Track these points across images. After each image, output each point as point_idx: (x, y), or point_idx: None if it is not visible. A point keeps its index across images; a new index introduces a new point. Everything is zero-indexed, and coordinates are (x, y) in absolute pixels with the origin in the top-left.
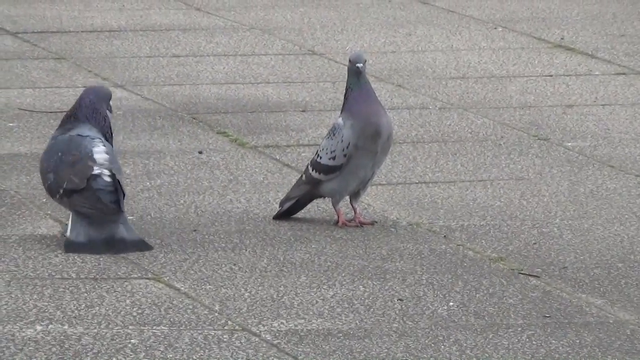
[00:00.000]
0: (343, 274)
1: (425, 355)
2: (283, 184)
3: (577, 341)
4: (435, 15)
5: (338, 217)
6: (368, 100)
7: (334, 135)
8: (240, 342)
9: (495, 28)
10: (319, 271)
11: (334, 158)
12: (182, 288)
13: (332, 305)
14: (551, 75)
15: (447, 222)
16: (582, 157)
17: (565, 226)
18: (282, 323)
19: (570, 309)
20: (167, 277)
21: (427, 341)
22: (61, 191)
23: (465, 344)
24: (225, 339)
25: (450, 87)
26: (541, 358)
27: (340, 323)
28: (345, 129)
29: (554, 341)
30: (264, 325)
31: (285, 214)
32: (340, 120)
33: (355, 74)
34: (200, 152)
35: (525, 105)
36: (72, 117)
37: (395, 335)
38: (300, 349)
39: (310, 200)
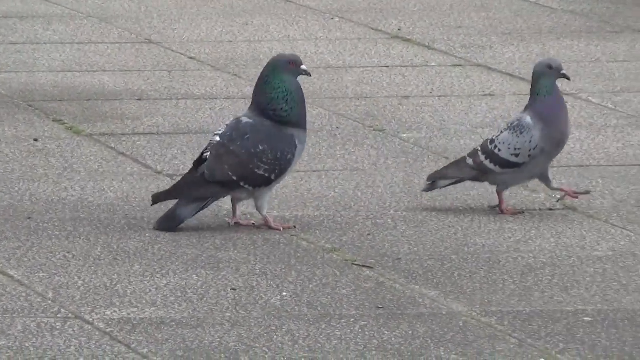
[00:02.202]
0: (177, 263)
1: (258, 345)
2: (118, 173)
3: (410, 332)
4: (273, 5)
5: (500, 204)
6: (559, 107)
7: (520, 133)
8: (73, 330)
9: (332, 18)
10: (153, 260)
11: (517, 155)
12: (16, 275)
13: (165, 294)
14: (387, 66)
15: (281, 212)
16: (418, 148)
17: (399, 217)
18: (115, 311)
19: (403, 300)
20: (1, 264)
21: (259, 331)
22: None
23: (298, 334)
24: (58, 327)
25: None
26: (374, 349)
27: (174, 312)
28: (535, 131)
29: (386, 332)
30: (97, 314)
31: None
32: (529, 120)
33: (554, 80)
34: (35, 140)
35: (361, 96)
36: None
37: (228, 324)
38: (133, 338)
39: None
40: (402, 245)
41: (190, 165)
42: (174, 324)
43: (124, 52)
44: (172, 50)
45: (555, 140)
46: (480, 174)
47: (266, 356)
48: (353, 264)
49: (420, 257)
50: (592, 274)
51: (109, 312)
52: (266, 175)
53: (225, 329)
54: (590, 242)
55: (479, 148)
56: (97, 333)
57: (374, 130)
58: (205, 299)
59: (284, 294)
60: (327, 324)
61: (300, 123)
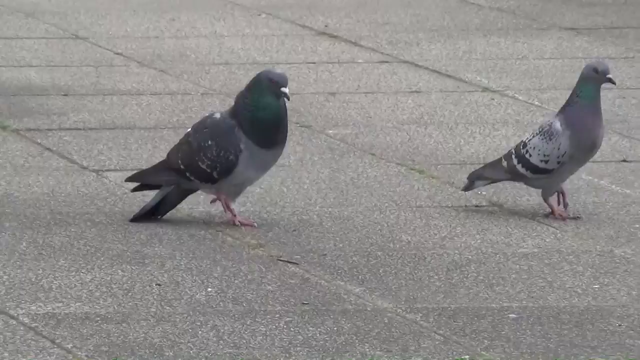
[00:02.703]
0: (102, 258)
1: (183, 341)
2: (44, 168)
3: (335, 328)
4: (200, 1)
5: (552, 210)
6: (592, 113)
7: (549, 139)
8: None
9: (259, 15)
10: (78, 255)
11: (546, 162)
12: None
13: (90, 289)
14: (314, 63)
15: (206, 207)
16: (344, 144)
17: (325, 214)
18: (40, 306)
19: (328, 296)
20: None
21: (184, 326)
22: None
23: (223, 330)
24: None
25: (213, 73)
26: (298, 345)
27: (99, 307)
28: (563, 138)
29: (311, 328)
30: (22, 309)
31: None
32: (558, 125)
33: (599, 84)
34: None
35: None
36: None
37: (153, 320)
38: (57, 333)
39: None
40: (327, 242)
41: (115, 161)
42: (98, 319)
43: (51, 47)
44: (99, 46)
45: (584, 146)
46: (515, 177)
47: (191, 352)
48: (278, 259)
49: (346, 254)
50: (517, 271)
51: (33, 307)
52: (208, 170)
53: (150, 324)
54: (516, 238)
55: (513, 151)
56: (21, 328)
57: (300, 126)
58: (130, 294)
59: (209, 289)
60: (252, 319)
61: (252, 136)
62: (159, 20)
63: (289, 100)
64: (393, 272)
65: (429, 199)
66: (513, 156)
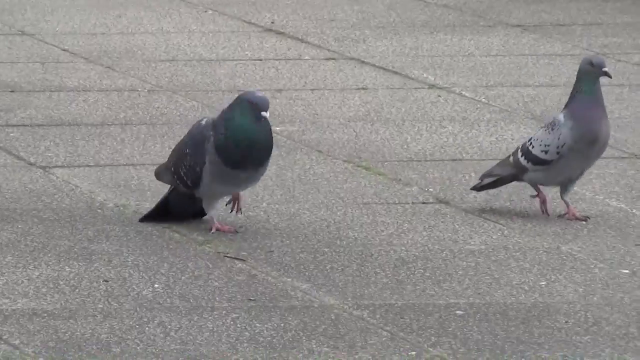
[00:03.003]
0: (49, 255)
1: (129, 337)
2: None
3: (282, 325)
4: None
5: (538, 194)
6: (595, 106)
7: (552, 130)
8: None
9: (205, 11)
10: (25, 251)
11: (546, 152)
12: None
13: (37, 285)
14: (261, 60)
15: (153, 204)
16: (291, 141)
17: (272, 210)
18: None
19: (275, 292)
20: None
21: (131, 322)
22: None
23: (169, 326)
24: None
25: (159, 69)
26: (245, 341)
27: (46, 303)
28: (564, 129)
29: (258, 324)
30: None
31: (483, 188)
32: (561, 117)
33: (596, 78)
34: None
35: (234, 89)
36: None
37: (100, 316)
38: (4, 329)
39: (511, 181)
40: (274, 238)
41: (62, 157)
42: (46, 315)
43: None
44: (46, 42)
45: (585, 139)
46: (518, 172)
47: (138, 348)
48: (225, 256)
49: (293, 250)
50: (464, 268)
51: None
52: (184, 178)
53: (97, 320)
54: (463, 235)
55: (520, 146)
56: None
57: None
58: (77, 290)
59: (156, 285)
60: (199, 316)
61: (221, 156)
62: (106, 16)
63: (267, 123)
64: (340, 268)
65: (376, 195)
66: (519, 150)
